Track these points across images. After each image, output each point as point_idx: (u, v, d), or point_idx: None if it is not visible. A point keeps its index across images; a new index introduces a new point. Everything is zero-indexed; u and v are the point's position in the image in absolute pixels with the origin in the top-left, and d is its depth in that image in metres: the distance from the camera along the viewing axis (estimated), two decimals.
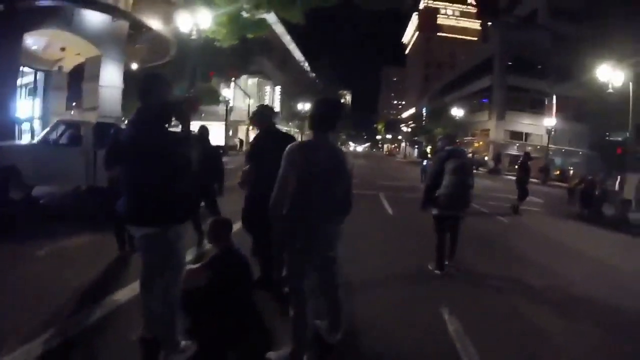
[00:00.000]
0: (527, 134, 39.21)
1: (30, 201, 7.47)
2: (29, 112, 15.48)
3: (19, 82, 13.97)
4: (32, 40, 13.56)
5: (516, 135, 39.42)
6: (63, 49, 14.75)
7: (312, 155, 2.41)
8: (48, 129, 8.18)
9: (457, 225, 5.01)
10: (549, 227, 9.95)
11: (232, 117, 32.65)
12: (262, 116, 3.97)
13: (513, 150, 38.37)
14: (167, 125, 2.50)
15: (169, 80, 2.65)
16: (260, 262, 3.82)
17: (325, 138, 2.52)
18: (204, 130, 5.54)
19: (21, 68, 13.65)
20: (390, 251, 5.94)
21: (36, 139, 8.43)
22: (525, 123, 38.77)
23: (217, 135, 29.65)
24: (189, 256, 4.39)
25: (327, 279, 2.77)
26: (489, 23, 43.20)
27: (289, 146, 2.46)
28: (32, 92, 15.80)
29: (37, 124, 15.17)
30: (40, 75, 15.75)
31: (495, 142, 38.94)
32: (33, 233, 5.37)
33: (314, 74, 46.98)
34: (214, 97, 29.17)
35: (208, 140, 5.58)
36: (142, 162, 2.39)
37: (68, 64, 16.09)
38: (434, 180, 4.76)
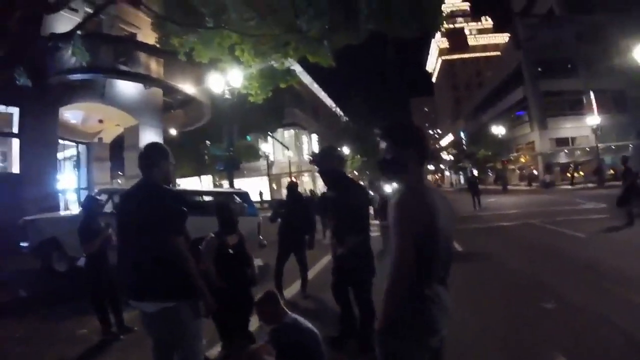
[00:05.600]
0: (572, 138, 36.96)
1: (75, 273, 7.29)
2: (74, 183, 15.94)
3: (62, 155, 14.49)
4: (70, 114, 14.13)
5: (562, 142, 37.13)
6: (101, 121, 15.29)
7: (437, 210, 1.70)
8: None
9: None
10: (630, 234, 8.71)
11: (274, 171, 32.62)
12: (325, 156, 3.70)
13: (562, 159, 36.17)
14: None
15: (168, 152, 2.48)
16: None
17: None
18: (294, 186, 5.94)
19: (62, 141, 14.08)
20: (472, 296, 5.02)
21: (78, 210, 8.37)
22: (568, 127, 36.45)
23: (261, 190, 29.83)
24: None
25: None
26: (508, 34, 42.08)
27: (401, 202, 1.68)
28: (76, 164, 16.27)
29: (83, 195, 15.53)
30: (82, 147, 16.27)
31: (542, 153, 36.79)
32: (76, 308, 5.03)
33: (347, 118, 46.59)
34: (254, 153, 29.26)
35: (299, 194, 6.01)
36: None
37: (108, 135, 16.61)
38: None
